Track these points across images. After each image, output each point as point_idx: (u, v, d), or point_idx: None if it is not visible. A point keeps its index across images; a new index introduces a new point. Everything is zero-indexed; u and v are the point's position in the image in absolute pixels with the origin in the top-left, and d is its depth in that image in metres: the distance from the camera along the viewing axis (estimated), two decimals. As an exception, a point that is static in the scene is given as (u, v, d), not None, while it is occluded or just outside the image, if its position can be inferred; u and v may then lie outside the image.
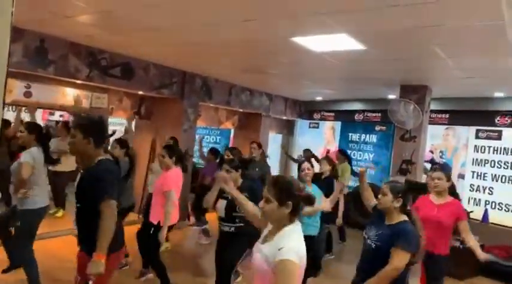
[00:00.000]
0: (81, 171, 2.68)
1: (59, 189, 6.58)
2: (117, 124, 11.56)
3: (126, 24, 4.20)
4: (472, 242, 3.50)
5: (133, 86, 6.14)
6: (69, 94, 6.01)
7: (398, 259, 2.61)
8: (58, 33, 4.89)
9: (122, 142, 4.63)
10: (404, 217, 2.77)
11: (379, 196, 2.83)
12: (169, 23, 4.03)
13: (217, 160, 6.32)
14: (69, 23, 4.21)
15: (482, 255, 3.45)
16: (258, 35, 4.16)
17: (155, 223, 4.04)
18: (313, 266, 4.19)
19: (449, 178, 3.71)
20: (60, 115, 12.05)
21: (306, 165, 4.20)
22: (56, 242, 5.43)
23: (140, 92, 6.58)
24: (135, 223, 6.39)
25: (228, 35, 4.25)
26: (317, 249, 4.46)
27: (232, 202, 3.69)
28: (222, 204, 3.70)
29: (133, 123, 6.69)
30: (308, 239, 3.88)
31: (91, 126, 2.55)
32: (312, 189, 4.08)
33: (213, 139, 10.46)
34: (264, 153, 6.78)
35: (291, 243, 1.83)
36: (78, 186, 2.56)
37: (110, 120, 11.32)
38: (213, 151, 6.72)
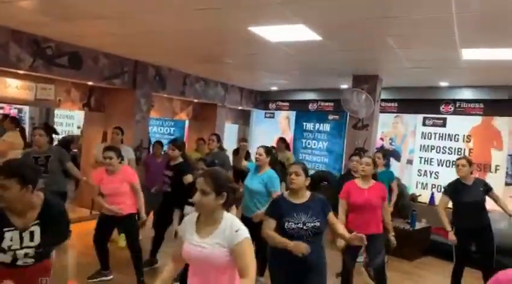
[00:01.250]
0: None
1: None
2: (64, 116, 11.05)
3: (73, 12, 3.97)
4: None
5: (82, 76, 5.85)
6: (10, 86, 5.62)
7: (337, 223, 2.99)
8: (-3, 20, 4.54)
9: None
10: (308, 191, 2.97)
11: (292, 176, 2.87)
12: (118, 11, 3.87)
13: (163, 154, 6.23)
14: (9, 8, 3.92)
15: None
16: (213, 24, 4.09)
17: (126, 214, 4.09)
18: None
19: (375, 166, 4.03)
20: (0, 108, 11.30)
21: (258, 150, 4.24)
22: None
23: (90, 83, 6.28)
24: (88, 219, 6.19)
25: (179, 24, 4.15)
26: None
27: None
28: (189, 209, 3.60)
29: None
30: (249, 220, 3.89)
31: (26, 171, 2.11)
32: (262, 175, 4.17)
33: (166, 130, 10.24)
34: (222, 145, 6.73)
35: (241, 225, 2.02)
36: None
37: (57, 112, 10.82)
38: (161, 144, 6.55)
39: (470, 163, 4.35)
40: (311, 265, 2.84)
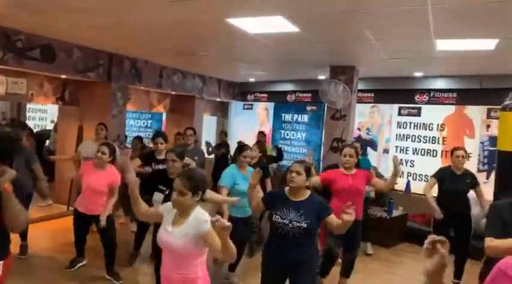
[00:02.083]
0: None
1: None
2: (37, 111, 10.74)
3: (44, 3, 3.84)
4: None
5: (55, 70, 5.68)
6: (-20, 80, 5.43)
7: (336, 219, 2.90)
8: (-37, 11, 4.35)
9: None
10: (308, 191, 2.98)
11: (293, 175, 2.87)
12: (91, 3, 3.75)
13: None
14: (-23, -1, 3.76)
15: None
16: (189, 15, 4.03)
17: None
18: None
19: (358, 155, 4.17)
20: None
21: (249, 153, 4.26)
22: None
23: (63, 76, 6.11)
24: (65, 215, 6.08)
25: (155, 15, 4.07)
26: (246, 231, 4.44)
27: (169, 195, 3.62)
28: (158, 196, 3.56)
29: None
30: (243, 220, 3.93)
31: None
32: (248, 174, 4.15)
33: (144, 123, 10.10)
34: (197, 139, 6.71)
35: (208, 217, 2.25)
36: None
37: (30, 106, 10.50)
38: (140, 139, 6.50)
39: (466, 154, 4.61)
40: (300, 265, 2.85)
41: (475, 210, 4.89)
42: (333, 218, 2.87)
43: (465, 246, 4.58)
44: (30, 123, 10.64)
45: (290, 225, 2.80)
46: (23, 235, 4.58)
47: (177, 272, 2.26)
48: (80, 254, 4.40)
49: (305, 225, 2.78)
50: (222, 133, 8.82)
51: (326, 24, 4.15)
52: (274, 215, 2.86)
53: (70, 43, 5.75)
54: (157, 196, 3.67)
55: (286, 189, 2.98)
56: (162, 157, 4.63)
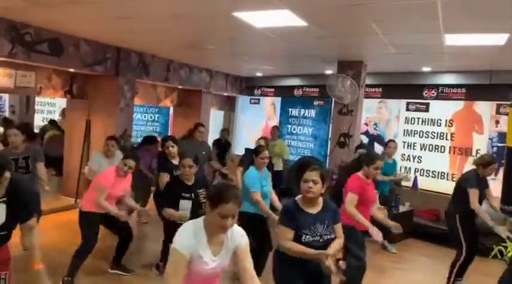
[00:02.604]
0: None
1: None
2: (46, 104, 10.82)
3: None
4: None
5: (63, 63, 5.72)
6: (-11, 73, 5.47)
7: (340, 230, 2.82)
8: (-28, 5, 4.38)
9: None
10: (321, 197, 2.79)
11: (310, 184, 2.65)
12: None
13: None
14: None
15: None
16: (196, 9, 4.03)
17: None
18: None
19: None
20: (-21, 96, 11.00)
21: (266, 153, 4.24)
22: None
23: (71, 69, 6.14)
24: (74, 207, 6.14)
25: (162, 9, 4.07)
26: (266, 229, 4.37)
27: (198, 202, 3.63)
28: (185, 204, 3.57)
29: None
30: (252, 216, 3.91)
31: None
32: (266, 175, 4.32)
33: (151, 117, 10.14)
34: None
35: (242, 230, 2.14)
36: None
37: (38, 99, 10.58)
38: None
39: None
40: (322, 274, 2.74)
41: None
42: (339, 227, 2.80)
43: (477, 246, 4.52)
44: (38, 116, 10.76)
45: (321, 240, 2.66)
46: None
47: None
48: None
49: (333, 236, 2.72)
50: (224, 131, 8.77)
51: (333, 18, 4.12)
52: (304, 236, 2.62)
53: (78, 37, 5.78)
54: (185, 205, 3.63)
55: (298, 199, 2.77)
56: (176, 162, 4.54)
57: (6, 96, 10.69)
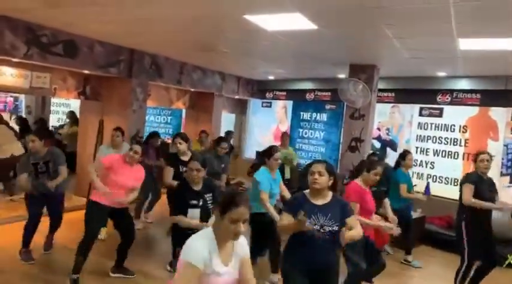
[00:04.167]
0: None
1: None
2: (61, 105, 11.00)
3: (67, -1, 3.94)
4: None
5: (77, 65, 5.81)
6: (5, 74, 5.58)
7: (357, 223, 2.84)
8: (-10, 7, 4.49)
9: None
10: (330, 191, 2.84)
11: (316, 176, 2.73)
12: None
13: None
14: (3, -5, 3.88)
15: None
16: (207, 12, 4.06)
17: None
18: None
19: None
20: (-4, 96, 11.23)
21: (279, 154, 4.30)
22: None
23: (85, 71, 6.23)
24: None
25: (174, 12, 4.11)
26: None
27: (206, 208, 3.61)
28: (194, 213, 3.53)
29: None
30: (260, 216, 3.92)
31: None
32: (278, 176, 4.39)
33: (163, 119, 10.22)
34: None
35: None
36: None
37: (54, 100, 10.76)
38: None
39: (491, 157, 4.35)
40: (327, 268, 2.78)
41: (497, 215, 4.76)
42: (353, 220, 2.79)
43: (495, 254, 4.39)
44: (53, 117, 10.94)
45: (322, 230, 2.69)
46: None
47: None
48: (83, 262, 4.22)
49: (336, 228, 2.70)
50: (230, 134, 8.76)
51: (345, 21, 4.11)
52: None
53: (92, 39, 5.87)
54: (193, 213, 3.54)
55: (306, 191, 2.84)
56: (186, 158, 4.55)
57: (22, 97, 10.90)
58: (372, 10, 3.62)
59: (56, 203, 4.66)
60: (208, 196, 3.63)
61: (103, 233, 5.12)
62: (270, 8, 3.74)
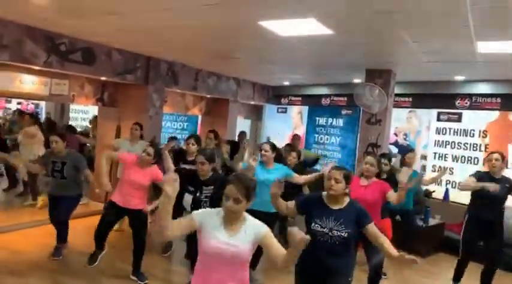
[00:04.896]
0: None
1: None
2: (79, 112, 11.20)
3: (84, 8, 4.01)
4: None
5: (95, 72, 5.91)
6: (26, 81, 5.72)
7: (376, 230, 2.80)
8: (12, 17, 4.61)
9: None
10: (348, 197, 2.86)
11: (332, 182, 2.77)
12: (128, 7, 3.89)
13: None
14: (23, 4, 3.97)
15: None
16: (222, 19, 4.08)
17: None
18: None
19: (379, 164, 4.09)
20: (18, 103, 11.53)
21: (264, 146, 4.35)
22: (14, 236, 5.26)
23: (103, 78, 6.34)
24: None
25: (188, 20, 4.15)
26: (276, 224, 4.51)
27: (199, 200, 3.66)
28: (188, 198, 3.64)
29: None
30: (269, 215, 3.93)
31: None
32: (273, 169, 4.30)
33: (180, 125, 10.30)
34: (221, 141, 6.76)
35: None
36: None
37: (73, 107, 10.97)
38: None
39: (503, 158, 4.40)
40: (336, 273, 2.77)
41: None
42: (373, 228, 2.77)
43: (494, 256, 4.40)
44: (72, 124, 11.15)
45: (330, 234, 2.71)
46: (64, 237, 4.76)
47: (234, 281, 2.16)
48: (99, 246, 4.39)
49: (346, 235, 2.70)
50: (242, 134, 8.72)
51: (360, 26, 4.08)
52: (313, 224, 2.76)
53: (109, 46, 5.97)
54: (188, 197, 3.72)
55: (324, 194, 2.88)
56: (191, 158, 4.67)
57: (43, 104, 11.16)
58: (388, 14, 3.58)
59: (60, 207, 4.60)
60: (208, 188, 3.68)
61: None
62: (284, 13, 3.74)
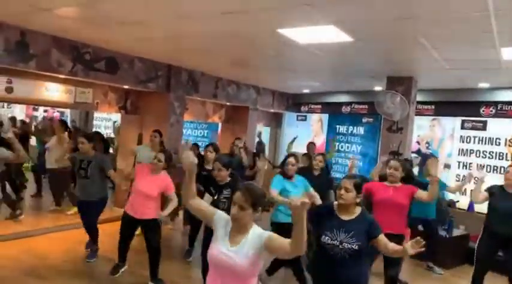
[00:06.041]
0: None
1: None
2: (103, 119, 11.45)
3: (108, 19, 4.12)
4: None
5: (118, 80, 6.05)
6: (52, 90, 5.89)
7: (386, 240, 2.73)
8: (39, 27, 4.77)
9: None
10: (359, 207, 2.81)
11: (342, 191, 2.73)
12: (150, 16, 3.98)
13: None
14: (50, 16, 4.11)
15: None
16: (240, 27, 4.12)
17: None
18: None
19: (404, 169, 3.99)
20: (45, 110, 11.86)
21: (291, 160, 4.31)
22: (39, 241, 5.38)
23: (125, 86, 6.48)
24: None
25: (208, 28, 4.21)
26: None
27: (218, 201, 3.68)
28: (208, 199, 3.67)
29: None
30: (282, 226, 3.90)
31: None
32: (296, 182, 4.30)
33: (200, 133, 10.40)
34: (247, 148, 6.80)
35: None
36: None
37: (96, 115, 11.22)
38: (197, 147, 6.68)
39: None
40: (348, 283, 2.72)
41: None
42: (383, 238, 2.70)
43: None
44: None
45: (340, 246, 2.65)
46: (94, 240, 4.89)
47: None
48: (121, 259, 4.47)
49: (356, 247, 2.64)
50: (260, 145, 8.80)
51: (380, 33, 4.05)
52: (323, 236, 2.70)
53: (132, 55, 6.10)
54: (207, 198, 3.76)
55: (335, 203, 2.84)
56: (209, 167, 4.69)
57: (68, 112, 11.45)
58: (409, 21, 3.55)
59: (89, 210, 4.79)
60: (227, 191, 3.69)
61: None
62: (303, 21, 3.75)
